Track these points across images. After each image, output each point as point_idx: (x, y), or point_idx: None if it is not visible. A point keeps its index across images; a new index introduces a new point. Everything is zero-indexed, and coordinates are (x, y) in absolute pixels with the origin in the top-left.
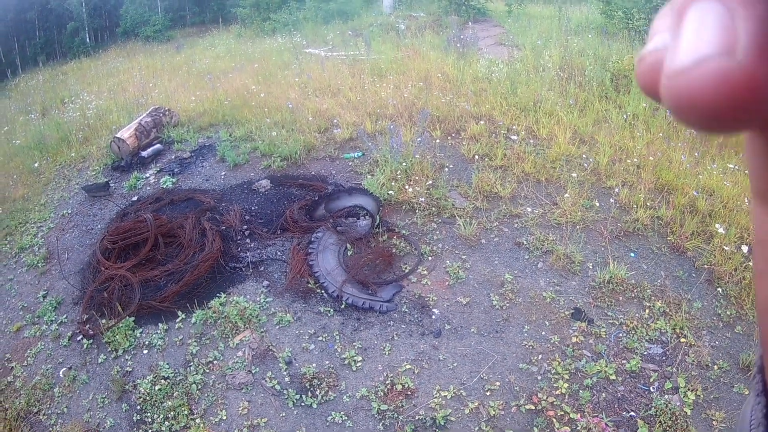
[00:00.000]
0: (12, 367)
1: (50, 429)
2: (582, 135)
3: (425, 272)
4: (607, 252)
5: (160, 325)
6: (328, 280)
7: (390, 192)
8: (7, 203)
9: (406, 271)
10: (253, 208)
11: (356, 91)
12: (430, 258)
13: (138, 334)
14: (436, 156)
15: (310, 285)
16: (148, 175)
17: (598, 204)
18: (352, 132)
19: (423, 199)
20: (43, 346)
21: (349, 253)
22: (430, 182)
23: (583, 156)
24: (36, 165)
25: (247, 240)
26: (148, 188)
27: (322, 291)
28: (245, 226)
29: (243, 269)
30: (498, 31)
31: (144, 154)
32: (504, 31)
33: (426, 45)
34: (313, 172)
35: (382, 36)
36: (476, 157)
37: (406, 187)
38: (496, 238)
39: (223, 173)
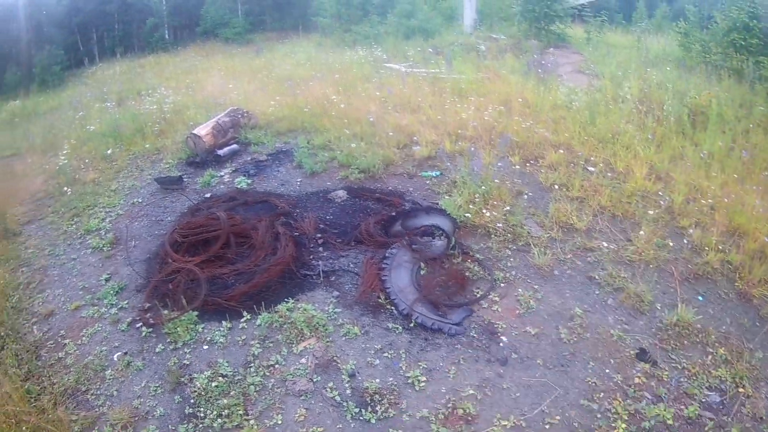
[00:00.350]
0: (65, 343)
1: (97, 409)
2: (658, 171)
3: (497, 299)
4: (676, 294)
5: (223, 322)
6: (399, 297)
7: (467, 214)
8: (77, 185)
9: (478, 295)
10: (328, 217)
11: (436, 109)
12: (502, 285)
13: (200, 329)
14: (514, 182)
15: (380, 300)
16: (222, 173)
17: (671, 244)
18: (431, 150)
19: (501, 225)
20: (100, 328)
21: (423, 272)
22: (508, 208)
23: (659, 193)
24: (109, 152)
25: (320, 249)
26: (222, 187)
27: (392, 308)
28: (319, 235)
29: (314, 277)
30: (577, 58)
31: (220, 152)
32: (583, 58)
33: (506, 68)
34: (390, 187)
35: (463, 56)
36: (554, 186)
37: (484, 211)
38: (569, 271)
39: (299, 180)
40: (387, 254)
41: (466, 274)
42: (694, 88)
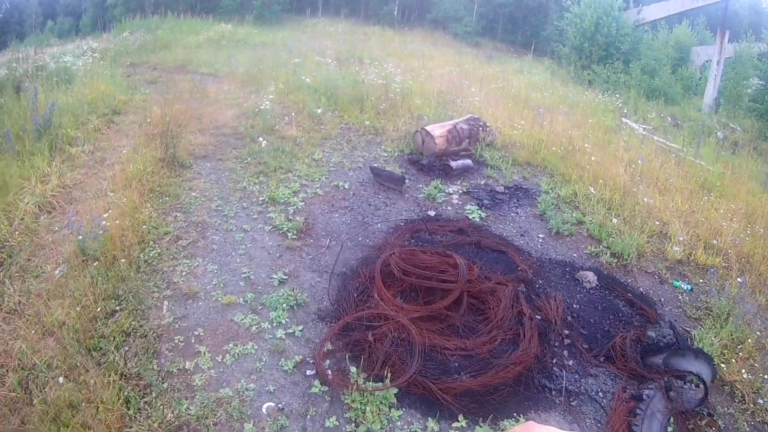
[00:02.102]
0: (199, 351)
1: None
2: None
3: None
4: None
5: (429, 420)
6: None
7: (722, 365)
8: (273, 137)
9: None
10: (574, 305)
11: (685, 197)
12: None
13: (395, 417)
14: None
15: None
16: (451, 191)
17: None
18: (684, 254)
19: (763, 401)
20: (253, 351)
21: (670, 429)
22: (767, 377)
23: None
24: (319, 111)
25: (565, 352)
26: (449, 209)
27: None
28: (567, 332)
29: (553, 393)
30: None
31: (453, 164)
32: None
33: (744, 169)
34: (641, 288)
35: (704, 139)
36: None
37: (743, 370)
38: None
39: (541, 236)
40: (644, 396)
41: None
42: None
